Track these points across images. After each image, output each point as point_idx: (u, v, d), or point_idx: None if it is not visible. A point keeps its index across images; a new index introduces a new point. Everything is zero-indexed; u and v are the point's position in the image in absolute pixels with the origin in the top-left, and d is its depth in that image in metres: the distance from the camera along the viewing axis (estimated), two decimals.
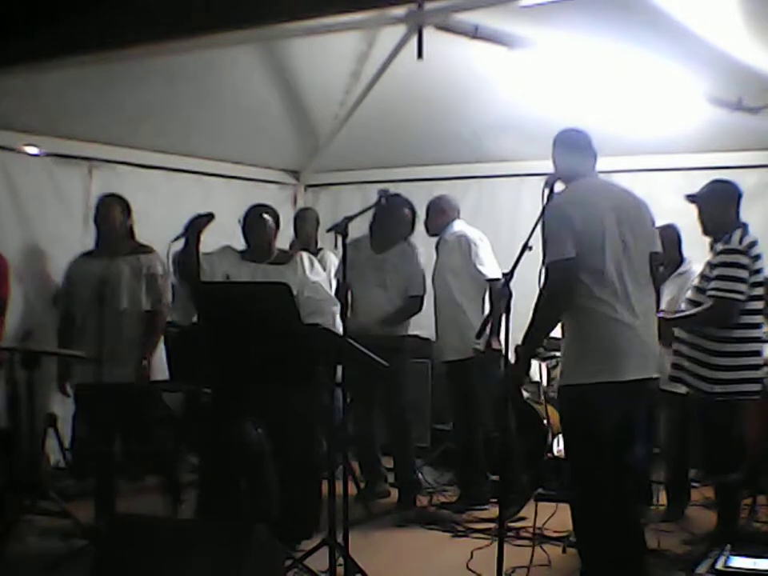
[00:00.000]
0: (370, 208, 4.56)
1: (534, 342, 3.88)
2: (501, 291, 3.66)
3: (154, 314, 4.87)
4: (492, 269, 5.31)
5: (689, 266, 5.07)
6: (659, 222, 5.19)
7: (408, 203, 5.62)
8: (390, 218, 5.56)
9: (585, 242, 3.71)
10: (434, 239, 5.63)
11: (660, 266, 4.15)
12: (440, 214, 5.53)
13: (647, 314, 3.87)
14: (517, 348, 3.96)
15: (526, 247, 3.77)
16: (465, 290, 5.35)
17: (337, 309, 4.50)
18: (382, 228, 5.62)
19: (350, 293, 5.71)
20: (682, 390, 4.67)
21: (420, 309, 5.65)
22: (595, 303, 3.72)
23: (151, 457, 4.85)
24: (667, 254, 5.07)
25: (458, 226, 5.50)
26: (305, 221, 6.42)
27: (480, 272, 5.30)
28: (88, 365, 4.71)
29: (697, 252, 4.71)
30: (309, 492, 4.50)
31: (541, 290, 3.76)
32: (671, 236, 5.10)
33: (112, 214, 4.88)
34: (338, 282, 5.68)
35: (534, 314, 3.78)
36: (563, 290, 3.71)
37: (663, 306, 4.84)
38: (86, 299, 4.80)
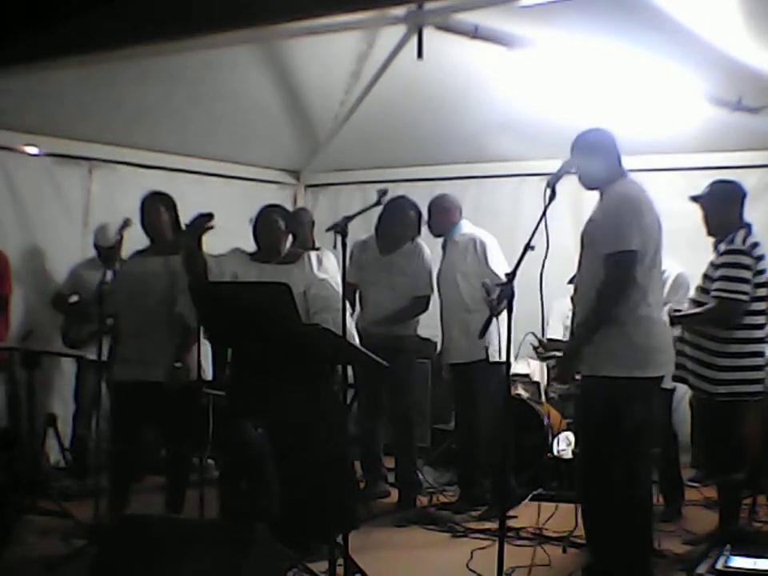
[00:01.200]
0: (369, 208, 4.55)
1: (593, 330, 3.82)
2: (504, 291, 3.64)
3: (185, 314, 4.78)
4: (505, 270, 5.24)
5: (666, 266, 5.04)
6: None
7: (413, 204, 5.60)
8: (395, 220, 5.54)
9: (645, 239, 3.80)
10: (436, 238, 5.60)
11: None
12: (444, 214, 5.48)
13: (664, 315, 3.99)
14: (566, 351, 3.95)
15: (528, 247, 3.76)
16: (473, 292, 5.28)
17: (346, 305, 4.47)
18: (388, 230, 5.61)
19: (357, 294, 5.70)
20: (669, 385, 4.70)
21: (426, 308, 5.63)
22: (642, 300, 3.79)
23: (173, 456, 4.81)
24: None
25: (467, 227, 5.45)
26: (301, 222, 6.40)
27: (496, 274, 5.14)
28: (125, 364, 4.66)
29: (698, 253, 4.71)
30: (324, 488, 4.44)
31: (605, 280, 3.78)
32: None
33: (151, 213, 4.82)
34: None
35: (597, 303, 3.79)
36: (625, 283, 3.77)
37: None
38: (126, 298, 4.75)
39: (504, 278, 5.07)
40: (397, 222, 5.55)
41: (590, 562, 4.04)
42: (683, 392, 4.95)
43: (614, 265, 3.78)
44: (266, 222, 4.64)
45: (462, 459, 5.56)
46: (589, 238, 3.95)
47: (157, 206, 4.80)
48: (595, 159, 3.95)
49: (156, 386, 4.58)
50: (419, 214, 5.61)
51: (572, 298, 4.17)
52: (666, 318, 4.01)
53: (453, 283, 5.37)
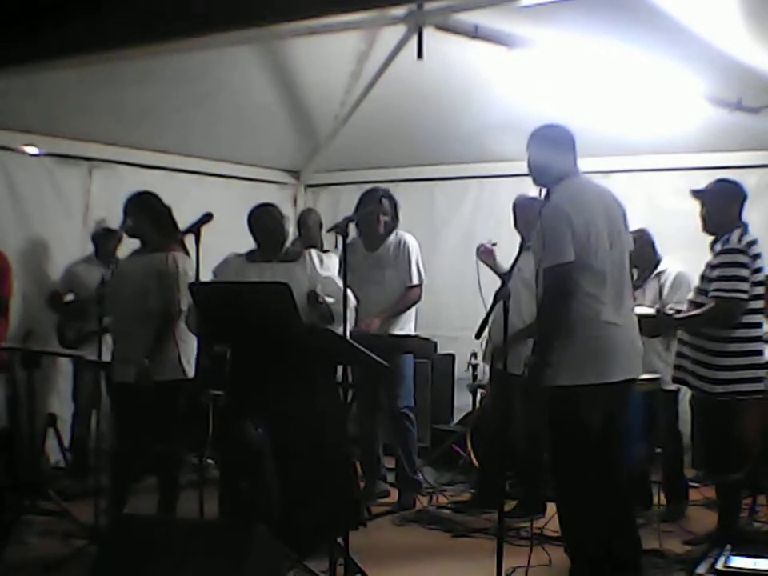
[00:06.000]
0: (370, 208, 4.56)
1: (544, 349, 3.78)
2: (501, 292, 3.65)
3: (164, 313, 4.73)
4: None
5: (666, 265, 5.18)
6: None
7: (385, 194, 5.54)
8: (372, 213, 5.42)
9: (582, 244, 3.72)
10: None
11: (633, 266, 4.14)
12: (531, 215, 4.98)
13: (630, 314, 3.93)
14: (527, 360, 3.84)
15: (524, 247, 3.77)
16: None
17: (351, 303, 4.45)
18: (369, 225, 5.55)
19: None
20: (673, 386, 4.71)
21: (419, 298, 5.58)
22: (587, 305, 3.74)
23: (160, 455, 4.81)
24: (645, 256, 5.19)
25: None
26: (307, 224, 6.40)
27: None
28: (117, 364, 4.68)
29: (697, 253, 4.71)
30: (324, 489, 4.45)
31: (543, 294, 3.77)
32: (647, 239, 5.22)
33: (130, 215, 4.82)
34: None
35: (538, 321, 3.79)
36: (564, 294, 3.71)
37: (646, 303, 4.96)
38: (116, 298, 4.75)
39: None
40: (374, 215, 5.46)
41: (573, 566, 4.05)
42: (683, 392, 4.96)
43: (550, 279, 3.73)
44: (267, 219, 4.64)
45: (520, 468, 5.31)
46: (536, 251, 3.90)
47: (140, 207, 4.80)
48: (547, 155, 3.91)
49: (138, 386, 4.61)
50: (395, 204, 5.57)
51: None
52: (630, 319, 3.91)
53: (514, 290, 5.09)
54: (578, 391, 3.73)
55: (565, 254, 3.69)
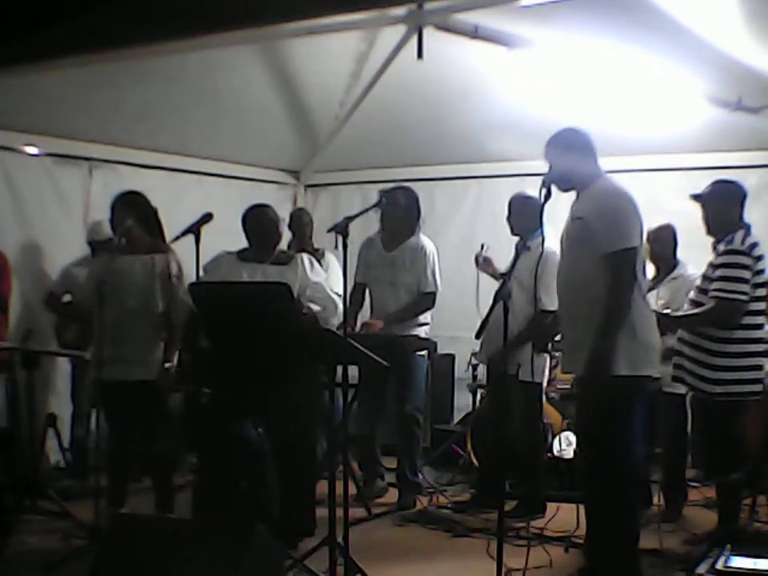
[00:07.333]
0: (370, 208, 4.56)
1: (615, 333, 3.69)
2: (502, 292, 3.64)
3: (166, 315, 4.74)
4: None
5: (683, 269, 5.10)
6: (657, 223, 5.22)
7: (410, 195, 5.53)
8: (395, 214, 5.44)
9: (640, 233, 3.83)
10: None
11: None
12: (529, 216, 5.01)
13: None
14: (593, 355, 3.71)
15: (523, 247, 3.76)
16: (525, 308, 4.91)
17: (339, 308, 4.48)
18: (389, 225, 5.55)
19: (367, 292, 5.67)
20: (681, 390, 4.69)
21: (432, 305, 5.57)
22: (641, 297, 3.81)
23: (153, 455, 4.81)
24: (663, 254, 5.12)
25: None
26: (300, 222, 6.40)
27: (542, 300, 4.76)
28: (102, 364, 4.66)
29: (697, 253, 4.71)
30: (305, 490, 4.50)
31: (615, 279, 3.72)
32: (668, 236, 5.16)
33: (121, 213, 4.81)
34: (354, 282, 5.63)
35: (606, 306, 3.70)
36: (633, 279, 3.75)
37: (657, 308, 4.86)
38: (100, 298, 4.74)
39: (548, 308, 4.83)
40: (397, 216, 5.47)
41: (588, 563, 4.04)
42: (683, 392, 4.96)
43: (622, 263, 3.73)
44: (262, 220, 4.65)
45: (522, 469, 5.30)
46: (577, 238, 3.87)
47: (131, 206, 4.79)
48: (572, 159, 3.89)
49: (135, 385, 4.60)
50: (418, 205, 5.57)
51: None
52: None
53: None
54: (635, 382, 3.75)
55: (634, 238, 3.77)
